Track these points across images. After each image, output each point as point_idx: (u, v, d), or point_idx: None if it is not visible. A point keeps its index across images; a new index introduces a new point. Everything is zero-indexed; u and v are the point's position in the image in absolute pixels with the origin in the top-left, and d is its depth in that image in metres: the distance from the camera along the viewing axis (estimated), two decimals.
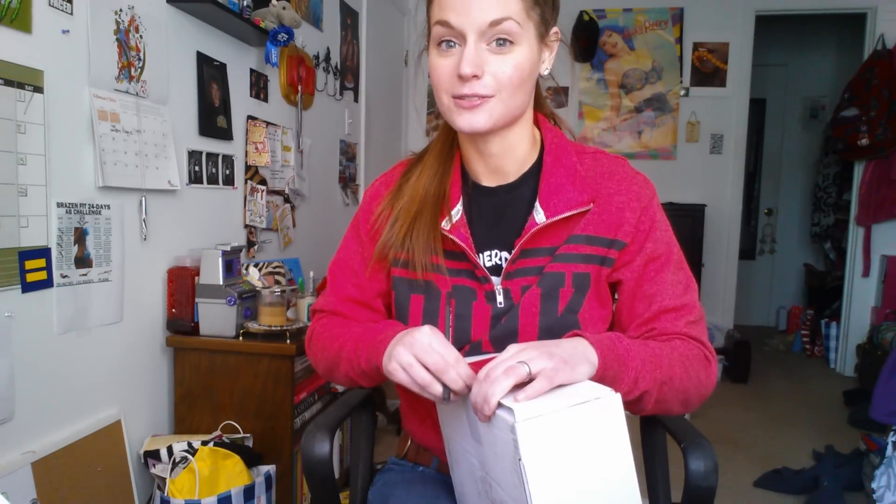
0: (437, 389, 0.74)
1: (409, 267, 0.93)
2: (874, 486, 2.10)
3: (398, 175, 0.99)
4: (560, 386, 0.69)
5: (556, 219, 0.88)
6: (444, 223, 0.91)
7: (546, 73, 0.90)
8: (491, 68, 0.81)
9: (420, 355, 0.75)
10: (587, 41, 4.15)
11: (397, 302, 0.96)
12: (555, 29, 0.88)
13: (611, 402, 0.66)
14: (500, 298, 0.90)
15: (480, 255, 0.92)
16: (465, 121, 0.84)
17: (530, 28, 0.82)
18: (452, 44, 0.82)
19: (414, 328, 0.79)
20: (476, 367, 0.74)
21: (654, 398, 0.81)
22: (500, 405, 0.67)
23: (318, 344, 1.00)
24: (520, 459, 0.63)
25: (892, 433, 2.11)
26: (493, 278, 0.90)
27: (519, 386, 0.68)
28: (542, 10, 0.84)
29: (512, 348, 0.72)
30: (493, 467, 0.72)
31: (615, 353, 0.76)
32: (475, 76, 0.81)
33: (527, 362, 0.68)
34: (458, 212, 0.92)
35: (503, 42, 0.81)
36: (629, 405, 0.68)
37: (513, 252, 0.89)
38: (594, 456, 0.65)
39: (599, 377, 0.74)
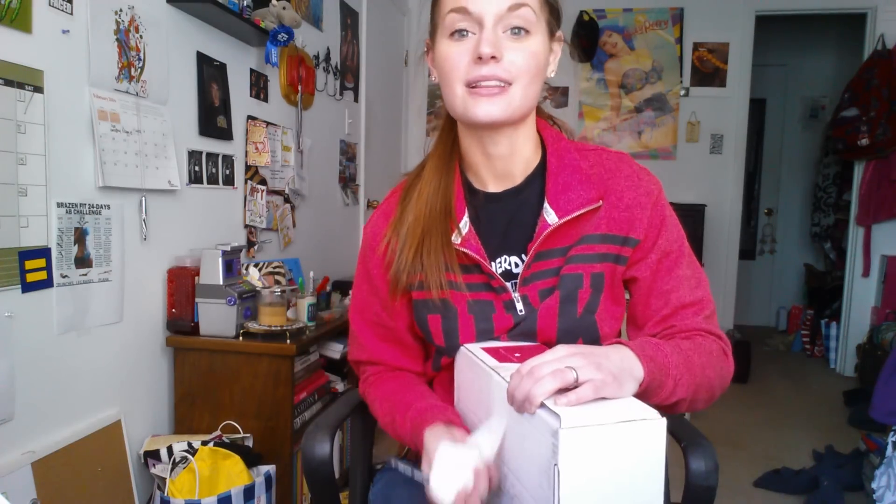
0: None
1: (424, 287, 0.90)
2: (874, 486, 2.10)
3: (396, 201, 0.96)
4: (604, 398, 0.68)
5: (568, 218, 0.86)
6: (453, 237, 0.89)
7: (552, 75, 0.90)
8: (509, 55, 0.81)
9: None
10: (587, 41, 4.15)
11: (419, 323, 0.94)
12: (559, 32, 0.89)
13: (656, 426, 0.65)
14: (519, 306, 0.89)
15: (492, 263, 0.90)
16: (483, 109, 0.82)
17: (542, 22, 0.84)
18: (466, 32, 0.82)
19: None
20: (525, 353, 0.73)
21: (688, 402, 0.80)
22: (541, 404, 0.66)
23: (375, 406, 1.01)
24: (556, 465, 0.63)
25: (892, 433, 2.11)
26: (508, 285, 0.89)
27: (561, 389, 0.66)
28: (551, 10, 0.86)
29: (560, 349, 0.70)
30: (516, 460, 0.71)
31: (658, 365, 0.75)
32: (493, 57, 0.80)
33: (575, 369, 0.66)
34: (465, 224, 0.90)
35: (518, 31, 0.81)
36: (662, 409, 0.68)
37: (527, 257, 0.88)
38: (628, 474, 0.65)
39: (642, 390, 0.73)
